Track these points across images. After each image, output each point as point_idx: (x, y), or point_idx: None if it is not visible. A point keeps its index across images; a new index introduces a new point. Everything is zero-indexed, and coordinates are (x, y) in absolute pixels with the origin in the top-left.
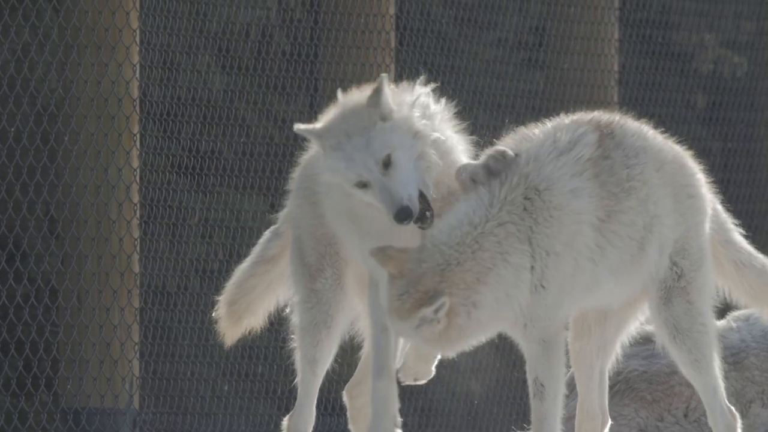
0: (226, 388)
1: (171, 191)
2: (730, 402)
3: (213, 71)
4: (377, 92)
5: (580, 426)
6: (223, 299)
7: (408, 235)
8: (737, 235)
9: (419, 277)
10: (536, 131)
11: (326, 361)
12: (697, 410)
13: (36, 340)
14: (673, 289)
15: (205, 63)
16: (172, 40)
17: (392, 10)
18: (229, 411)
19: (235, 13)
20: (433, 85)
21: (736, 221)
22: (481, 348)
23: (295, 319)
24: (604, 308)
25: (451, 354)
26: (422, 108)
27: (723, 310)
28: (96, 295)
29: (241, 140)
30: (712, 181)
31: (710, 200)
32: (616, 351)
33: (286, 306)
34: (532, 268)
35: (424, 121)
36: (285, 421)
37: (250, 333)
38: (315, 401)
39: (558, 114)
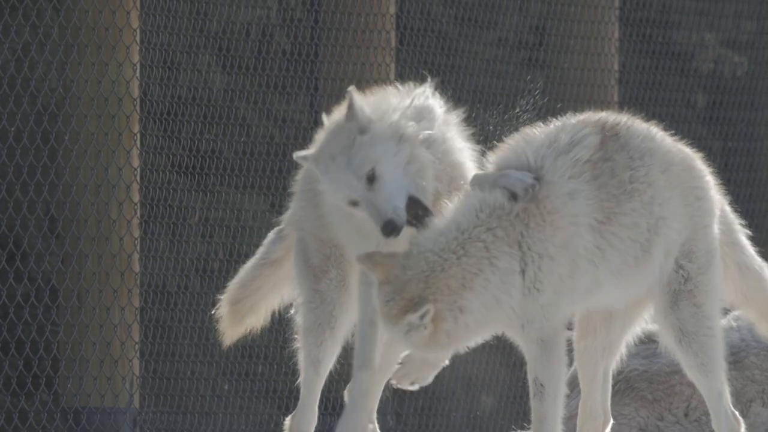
0: (226, 387)
1: (171, 190)
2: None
3: (213, 71)
4: (350, 107)
5: (582, 425)
6: (225, 298)
7: (407, 239)
8: (743, 236)
9: (404, 284)
10: (539, 131)
11: (329, 362)
12: (697, 410)
13: (36, 340)
14: (680, 293)
15: (206, 62)
16: (173, 40)
17: (392, 10)
18: (229, 410)
19: (236, 13)
20: (436, 88)
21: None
22: (481, 348)
23: (299, 320)
24: (609, 309)
25: (446, 357)
26: (418, 110)
27: (724, 309)
28: (96, 294)
29: (242, 140)
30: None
31: (718, 202)
32: (621, 351)
33: (288, 306)
34: (523, 271)
35: (411, 123)
36: (287, 421)
37: (250, 332)
38: (317, 401)
39: (557, 113)
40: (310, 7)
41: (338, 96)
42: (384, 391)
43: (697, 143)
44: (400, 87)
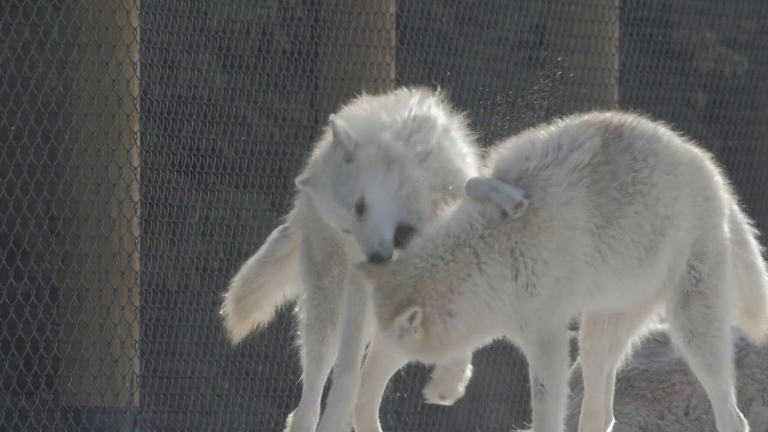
0: (226, 386)
1: (171, 189)
2: None
3: (213, 70)
4: (334, 134)
5: (584, 424)
6: (230, 296)
7: None
8: (751, 236)
9: (394, 289)
10: (541, 134)
11: (331, 358)
12: (697, 408)
13: (36, 339)
14: (692, 293)
15: (206, 61)
16: (173, 39)
17: (393, 9)
18: (229, 409)
19: (236, 12)
20: (441, 93)
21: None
22: (481, 348)
23: (301, 316)
24: (615, 310)
25: (443, 362)
26: (417, 122)
27: None
28: (96, 293)
29: (242, 139)
30: None
31: (728, 201)
32: (627, 351)
33: (291, 304)
34: (516, 277)
35: (400, 144)
36: (290, 417)
37: (257, 328)
38: (320, 397)
39: (557, 114)
40: (311, 6)
41: (338, 95)
42: (384, 390)
43: (697, 142)
44: (400, 94)
